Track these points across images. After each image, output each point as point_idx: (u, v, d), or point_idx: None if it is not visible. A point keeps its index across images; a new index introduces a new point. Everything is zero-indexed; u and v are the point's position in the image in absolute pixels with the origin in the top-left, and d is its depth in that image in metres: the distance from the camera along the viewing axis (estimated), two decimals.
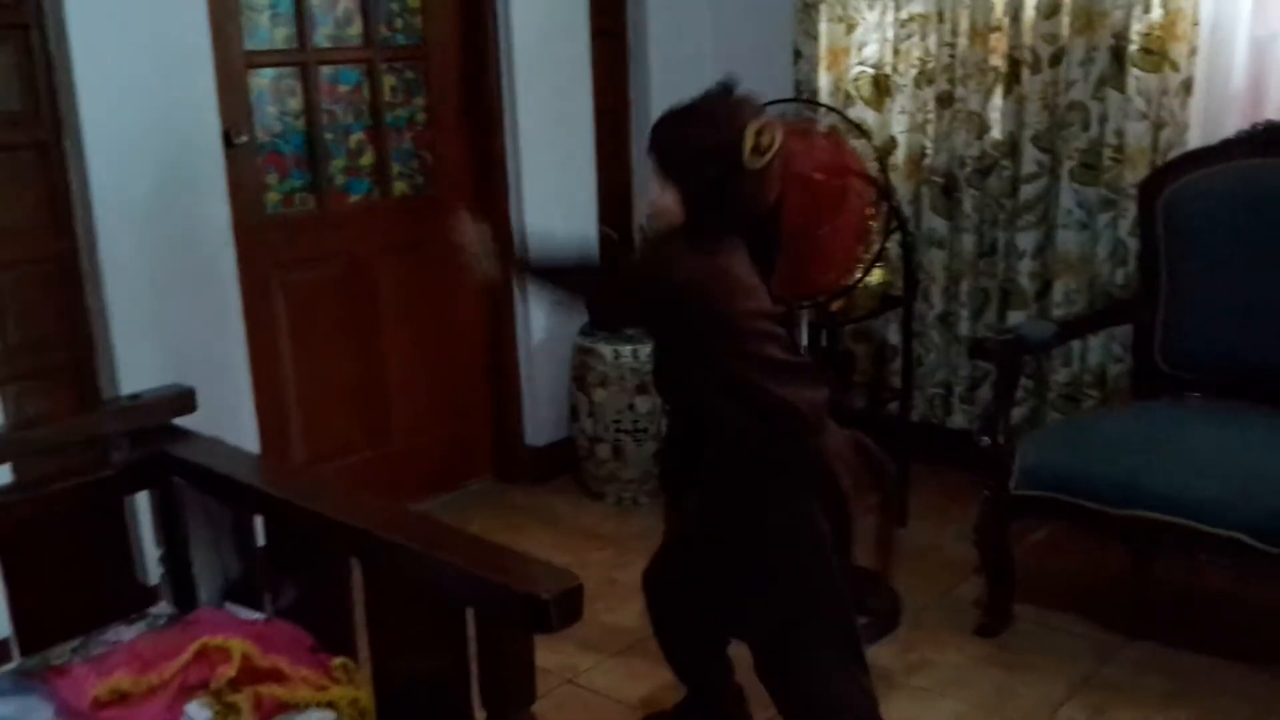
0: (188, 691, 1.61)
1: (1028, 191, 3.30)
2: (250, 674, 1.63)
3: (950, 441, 3.51)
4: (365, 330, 3.42)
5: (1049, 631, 2.77)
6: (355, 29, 3.31)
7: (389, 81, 3.40)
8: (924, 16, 3.45)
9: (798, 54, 3.69)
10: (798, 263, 2.35)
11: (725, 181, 1.91)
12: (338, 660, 1.69)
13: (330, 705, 1.63)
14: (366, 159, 3.38)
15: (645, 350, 3.45)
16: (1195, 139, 3.03)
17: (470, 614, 1.47)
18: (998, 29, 3.32)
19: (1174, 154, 3.02)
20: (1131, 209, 3.09)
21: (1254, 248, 2.78)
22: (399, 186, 3.46)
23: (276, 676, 1.63)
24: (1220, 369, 2.82)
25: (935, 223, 3.49)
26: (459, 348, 3.64)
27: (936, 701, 2.51)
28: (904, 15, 3.49)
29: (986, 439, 2.67)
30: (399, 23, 3.41)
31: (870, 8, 3.56)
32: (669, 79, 3.89)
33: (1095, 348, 3.24)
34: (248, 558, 1.91)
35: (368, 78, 3.34)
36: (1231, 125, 2.98)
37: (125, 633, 1.87)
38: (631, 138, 3.96)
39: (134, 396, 2.02)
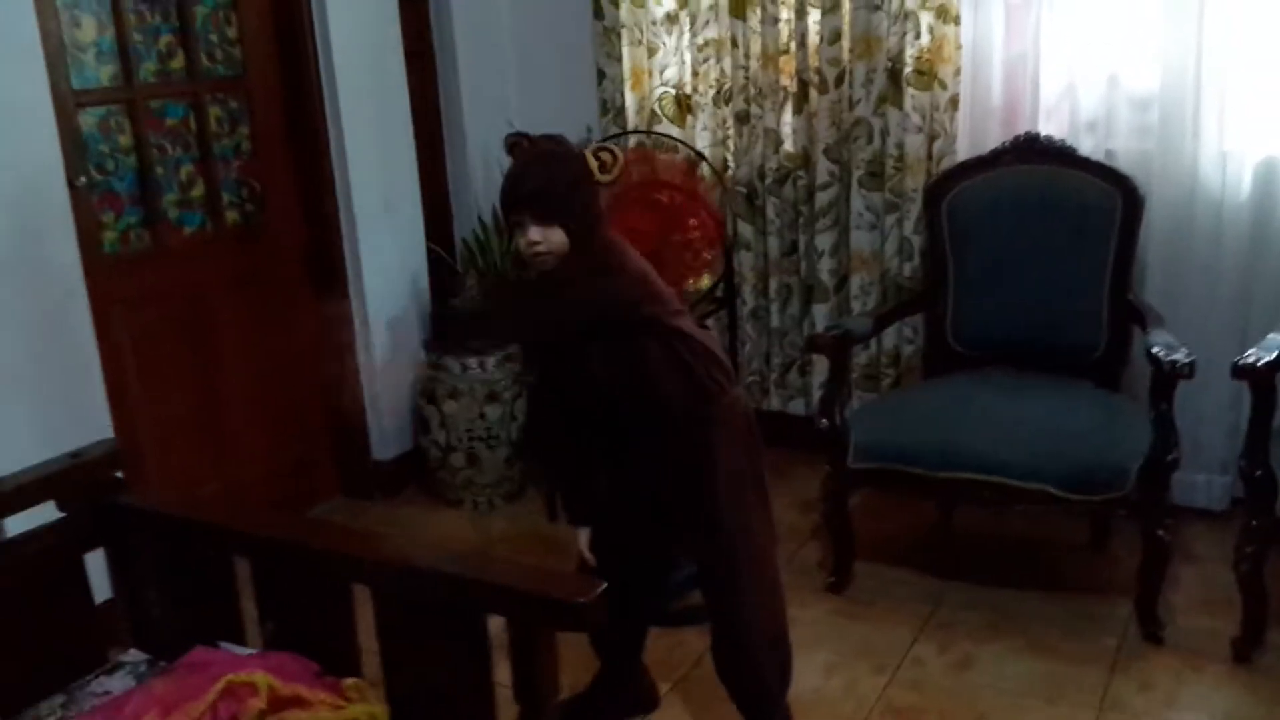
0: None
1: (822, 198, 3.70)
2: (276, 703, 1.74)
3: (769, 422, 3.87)
4: (207, 362, 3.43)
5: (886, 584, 3.18)
6: (178, 62, 3.31)
7: (214, 112, 3.41)
8: (719, 41, 3.79)
9: (601, 74, 3.95)
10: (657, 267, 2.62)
11: (593, 202, 2.23)
12: (349, 681, 1.83)
13: None
14: (197, 191, 3.39)
15: (491, 361, 3.64)
16: (963, 148, 3.51)
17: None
18: (786, 53, 3.70)
19: (946, 162, 3.49)
20: (914, 210, 3.55)
21: (1021, 242, 3.27)
22: (230, 216, 3.49)
23: (299, 703, 1.76)
24: (1003, 345, 3.30)
25: (743, 228, 3.85)
26: (300, 372, 3.70)
27: (810, 654, 2.85)
28: (700, 40, 3.81)
29: (825, 421, 3.04)
30: (219, 54, 3.43)
31: (669, 33, 3.87)
32: (478, 98, 4.07)
33: (890, 332, 3.68)
34: (222, 597, 1.98)
35: (193, 110, 3.35)
36: (993, 135, 3.48)
37: (111, 683, 1.93)
38: (447, 155, 4.11)
39: (75, 454, 2.05)
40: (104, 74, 3.12)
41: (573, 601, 1.55)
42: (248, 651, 1.91)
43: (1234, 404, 3.31)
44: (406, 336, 3.85)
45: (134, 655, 2.01)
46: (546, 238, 2.14)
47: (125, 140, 3.19)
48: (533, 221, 2.13)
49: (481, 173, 4.12)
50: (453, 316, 3.77)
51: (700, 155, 3.62)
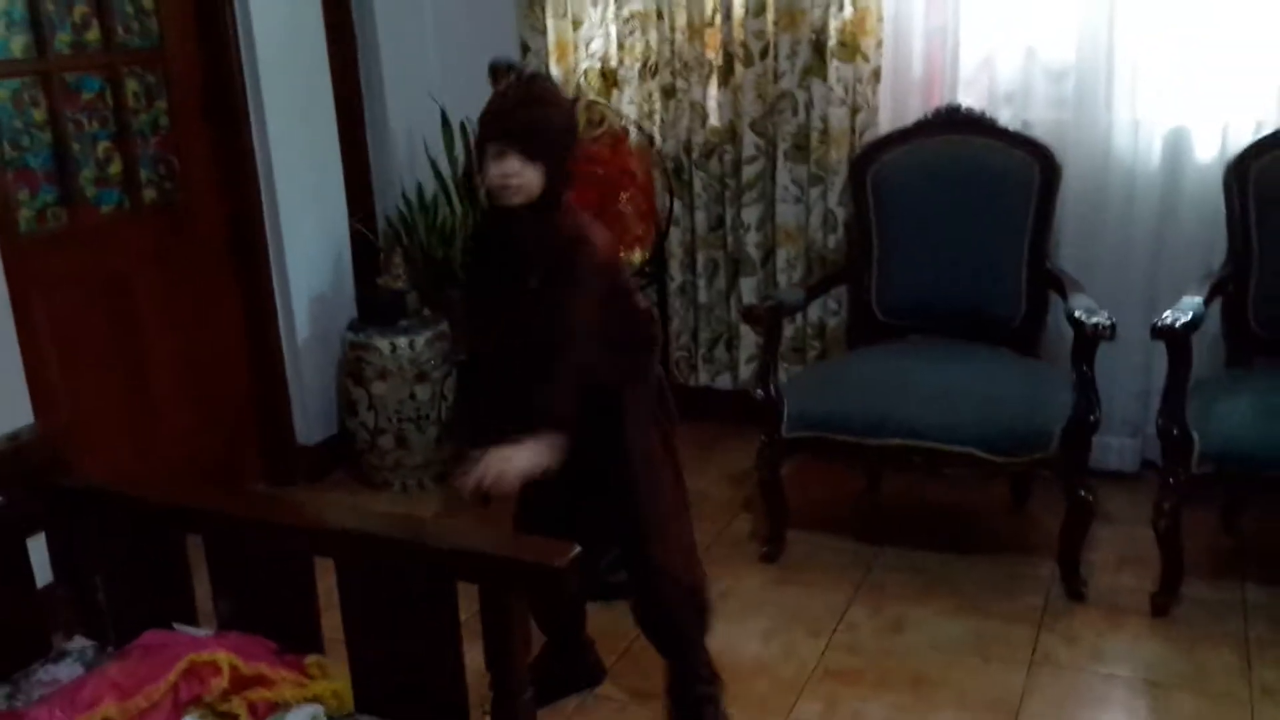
0: (180, 708, 1.68)
1: (749, 172, 3.74)
2: (238, 683, 1.72)
3: (697, 398, 3.93)
4: (127, 345, 3.34)
5: (817, 551, 3.24)
6: (94, 34, 3.21)
7: (132, 86, 3.32)
8: (644, 14, 3.80)
9: (526, 48, 3.93)
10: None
11: (571, 154, 2.24)
12: (310, 658, 1.81)
13: (316, 699, 1.76)
14: (115, 168, 3.30)
15: (421, 340, 3.61)
16: (885, 121, 3.57)
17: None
18: (711, 26, 3.72)
19: (869, 134, 3.56)
20: (838, 183, 3.61)
21: (942, 212, 3.36)
22: (149, 194, 3.39)
23: (262, 682, 1.74)
24: (926, 314, 3.39)
25: (670, 202, 3.87)
26: (222, 353, 3.63)
27: (748, 621, 2.91)
28: (625, 13, 3.82)
29: (760, 391, 3.09)
30: (135, 25, 3.33)
31: (594, 5, 3.86)
32: (400, 72, 4.02)
33: (815, 305, 3.74)
34: (172, 578, 1.95)
35: (110, 84, 3.25)
36: (914, 107, 3.55)
37: (58, 671, 1.88)
38: (367, 130, 4.05)
39: (12, 436, 2.00)
40: (16, 45, 3.01)
41: (549, 565, 1.56)
42: (203, 632, 1.88)
43: (1143, 368, 3.45)
44: (330, 317, 3.79)
45: (80, 642, 1.97)
46: (524, 173, 2.14)
47: (40, 115, 3.08)
48: (516, 154, 2.12)
49: (404, 149, 4.07)
50: (380, 296, 3.72)
51: (638, 127, 3.63)
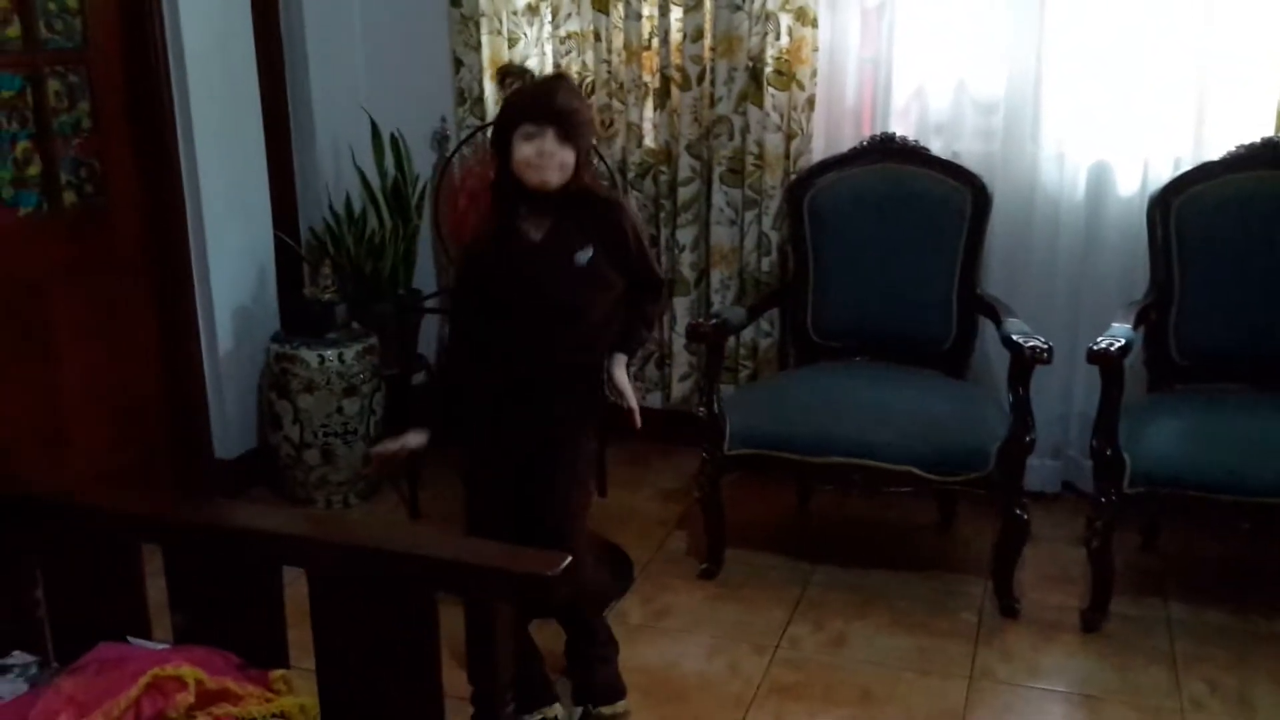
0: None
1: (684, 193, 3.76)
2: (204, 698, 1.65)
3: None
4: (41, 353, 3.19)
5: (754, 568, 3.25)
6: (14, 30, 3.07)
7: (53, 86, 3.19)
8: (581, 35, 3.80)
9: (459, 63, 3.89)
10: None
11: (591, 149, 2.43)
12: (276, 673, 1.74)
13: (283, 715, 1.70)
14: (34, 169, 3.15)
15: (350, 353, 3.53)
16: (819, 148, 3.64)
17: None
18: (649, 49, 3.74)
19: (803, 160, 3.61)
20: (772, 207, 3.65)
21: (876, 237, 3.42)
22: (69, 197, 3.26)
23: (228, 697, 1.67)
24: (860, 336, 3.44)
25: None
26: (140, 363, 3.49)
27: (689, 638, 2.90)
28: (562, 32, 3.81)
29: (703, 409, 3.10)
30: (59, 24, 3.20)
31: (530, 24, 3.85)
32: (328, 83, 3.95)
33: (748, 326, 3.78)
34: (121, 590, 1.86)
35: (30, 83, 3.12)
36: (848, 135, 3.63)
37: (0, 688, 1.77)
38: (294, 142, 3.96)
39: None
40: None
41: (540, 574, 1.53)
42: (160, 646, 1.79)
43: (1064, 392, 3.56)
44: (253, 328, 3.68)
45: (21, 657, 1.85)
46: (561, 154, 2.28)
47: None
48: (556, 137, 2.26)
49: (331, 161, 3.99)
50: (307, 307, 3.63)
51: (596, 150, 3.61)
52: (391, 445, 2.54)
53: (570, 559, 1.57)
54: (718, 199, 3.73)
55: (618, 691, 2.59)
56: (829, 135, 3.65)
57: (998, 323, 3.16)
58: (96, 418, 3.36)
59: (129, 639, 1.80)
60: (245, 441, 3.73)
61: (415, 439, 2.50)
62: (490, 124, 3.73)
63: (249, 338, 3.67)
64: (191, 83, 3.40)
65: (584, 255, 2.38)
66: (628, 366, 2.52)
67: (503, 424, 2.48)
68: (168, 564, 1.79)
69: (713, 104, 3.69)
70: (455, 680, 1.71)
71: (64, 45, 3.22)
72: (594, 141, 2.42)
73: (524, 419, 2.46)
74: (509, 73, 2.43)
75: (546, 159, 2.27)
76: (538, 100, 2.30)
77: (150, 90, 3.38)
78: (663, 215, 3.83)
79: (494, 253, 2.42)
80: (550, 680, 2.61)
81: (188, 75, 3.39)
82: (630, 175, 3.81)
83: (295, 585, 1.71)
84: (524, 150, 2.28)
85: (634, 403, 2.47)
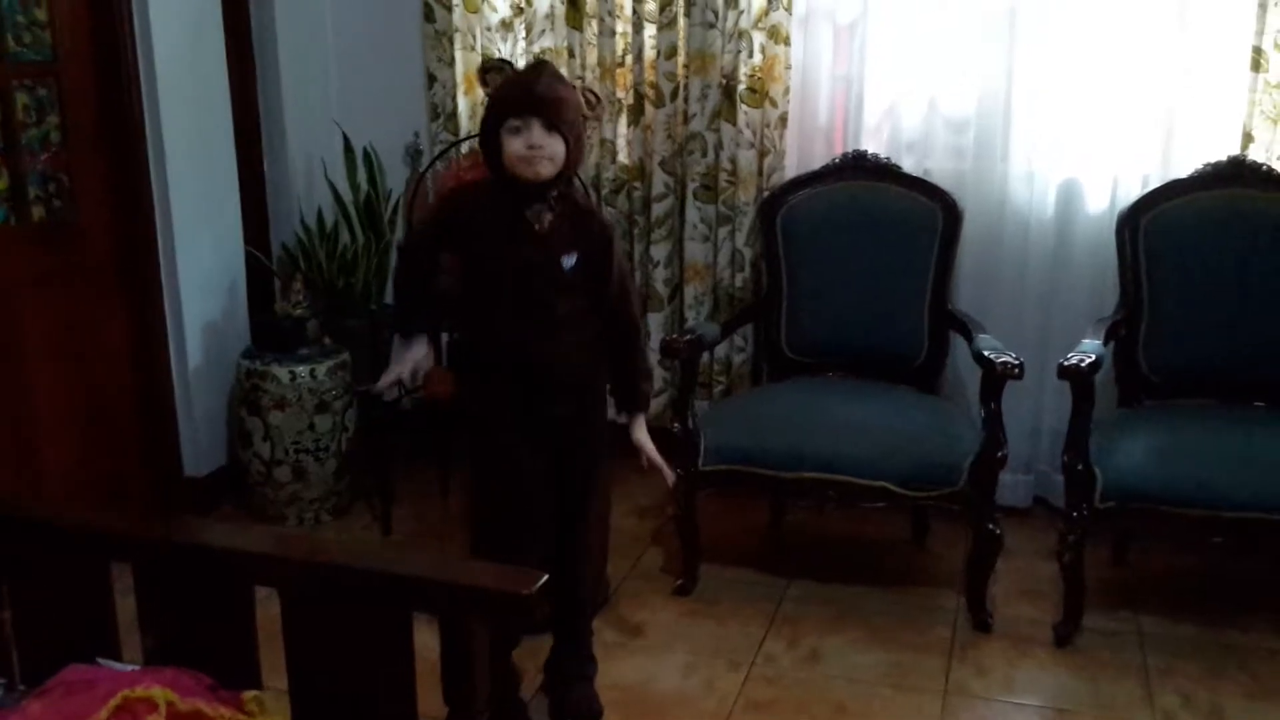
0: None
1: (658, 209, 3.77)
2: (175, 719, 1.63)
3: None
4: (8, 370, 3.15)
5: (729, 584, 3.25)
6: None
7: (21, 99, 3.16)
8: (555, 51, 3.80)
9: (433, 79, 3.89)
10: None
11: (582, 135, 2.38)
12: (249, 694, 1.72)
13: None
14: (1, 183, 3.12)
15: (322, 370, 3.50)
16: (792, 165, 3.65)
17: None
18: (622, 66, 3.75)
19: (776, 177, 3.62)
20: (745, 223, 3.66)
21: (849, 254, 3.43)
22: (37, 211, 3.22)
23: (199, 718, 1.64)
24: (833, 352, 3.45)
25: None
26: (108, 380, 3.45)
27: (666, 655, 2.89)
28: (536, 49, 3.82)
29: (678, 425, 3.09)
30: (28, 37, 3.17)
31: (504, 40, 3.85)
32: (300, 98, 3.93)
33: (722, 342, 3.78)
34: (93, 609, 1.83)
35: None
36: (819, 152, 3.65)
37: None
38: (265, 157, 3.94)
39: None
40: None
41: (514, 593, 1.52)
42: (130, 668, 1.77)
43: (1034, 408, 3.59)
44: (223, 344, 3.66)
45: None
46: (549, 144, 2.25)
47: None
48: (542, 127, 2.23)
49: (303, 176, 3.98)
50: (278, 323, 3.60)
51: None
52: (397, 369, 2.47)
53: (545, 577, 1.56)
54: (691, 215, 3.74)
55: (595, 712, 2.57)
56: (802, 152, 3.67)
57: (969, 338, 3.18)
58: (64, 433, 3.32)
59: (98, 660, 1.77)
60: (215, 458, 3.70)
61: (418, 352, 2.46)
62: (465, 139, 3.77)
63: (219, 353, 3.64)
64: (162, 96, 3.38)
65: (569, 260, 2.38)
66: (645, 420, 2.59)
67: (511, 431, 2.47)
68: (138, 583, 1.77)
69: (686, 121, 3.70)
70: (430, 701, 1.69)
71: (33, 58, 3.19)
72: (584, 123, 2.36)
73: (530, 425, 2.46)
74: (489, 68, 2.42)
75: (535, 151, 2.24)
76: (520, 91, 2.28)
77: (121, 104, 3.35)
78: (636, 231, 3.84)
79: (494, 228, 2.37)
80: (525, 705, 2.60)
81: (158, 89, 3.36)
82: (604, 191, 3.81)
83: (267, 604, 1.70)
84: (513, 145, 2.25)
85: (661, 461, 2.58)
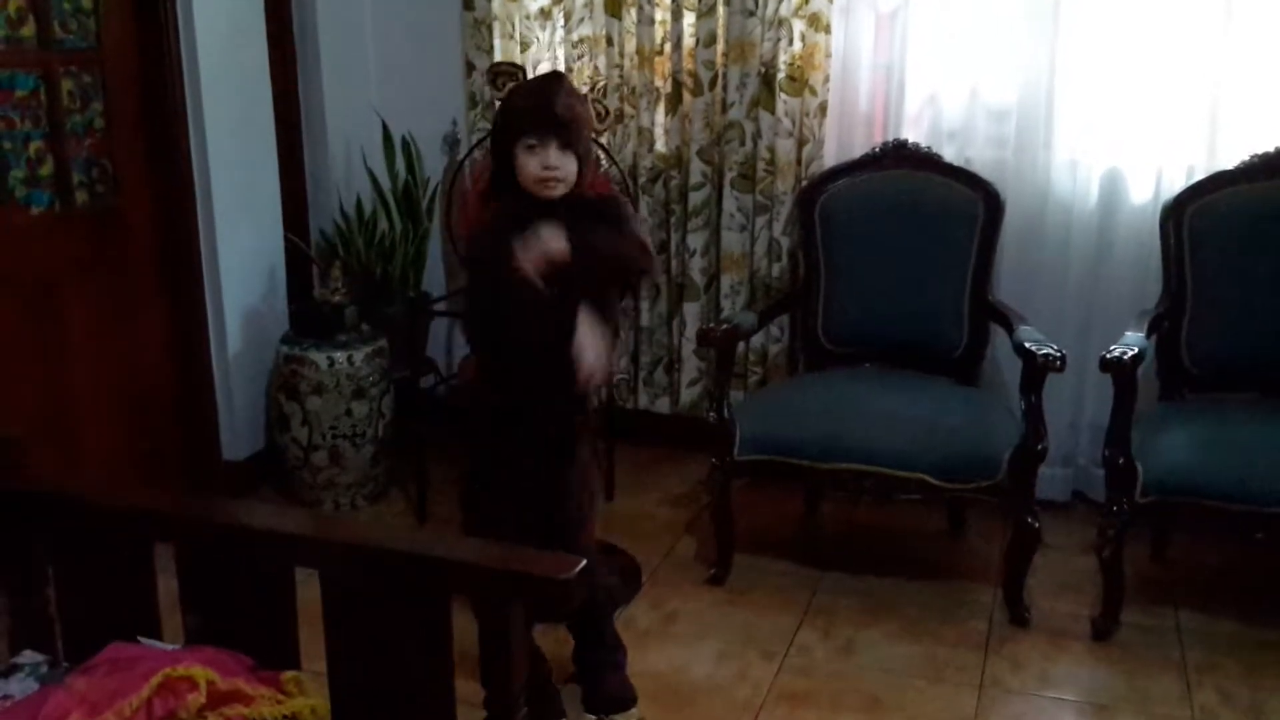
0: None
1: (695, 198, 3.76)
2: (215, 698, 1.64)
3: (635, 420, 3.92)
4: (52, 352, 3.19)
5: (763, 574, 3.24)
6: (29, 29, 3.08)
7: (67, 86, 3.19)
8: (593, 39, 3.80)
9: (471, 67, 3.90)
10: None
11: (592, 147, 2.32)
12: (287, 674, 1.74)
13: (294, 716, 1.69)
14: (46, 169, 3.16)
15: (360, 355, 3.52)
16: (831, 154, 3.63)
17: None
18: (661, 54, 3.74)
19: (815, 166, 3.61)
20: (783, 213, 3.65)
21: (888, 244, 3.41)
22: (80, 197, 3.26)
23: (240, 698, 1.66)
24: (871, 342, 3.43)
25: None
26: (149, 363, 3.48)
27: (698, 644, 2.89)
28: (575, 37, 3.81)
29: (714, 415, 3.09)
30: (73, 24, 3.21)
31: (542, 28, 3.85)
32: (340, 85, 3.95)
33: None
34: (133, 589, 1.85)
35: (44, 82, 3.12)
36: (859, 141, 3.62)
37: (9, 687, 1.76)
38: (305, 144, 3.96)
39: None
40: None
41: (555, 578, 1.52)
42: (171, 647, 1.79)
43: (1074, 401, 3.55)
44: (262, 329, 3.68)
45: (31, 656, 1.85)
46: (564, 164, 2.21)
47: None
48: (558, 148, 2.19)
49: (342, 163, 4.00)
50: (317, 309, 3.62)
51: (604, 149, 3.60)
52: (540, 246, 2.14)
53: (585, 562, 1.56)
54: (728, 204, 3.73)
55: (629, 700, 2.57)
56: (841, 141, 3.65)
57: (1009, 330, 3.15)
58: (105, 416, 3.36)
59: (140, 639, 1.80)
60: (253, 443, 3.73)
61: (557, 243, 2.15)
62: None
63: (258, 339, 3.67)
64: (204, 84, 3.40)
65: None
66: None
67: (509, 442, 2.44)
68: (180, 563, 1.79)
69: (724, 109, 3.69)
70: (465, 688, 1.70)
71: (78, 45, 3.22)
72: (592, 136, 2.31)
73: (528, 437, 2.42)
74: (500, 72, 2.38)
75: (551, 173, 2.19)
76: (538, 108, 2.20)
77: (163, 91, 3.38)
78: (673, 220, 3.83)
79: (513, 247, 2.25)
80: (558, 691, 2.60)
81: (200, 76, 3.39)
82: (641, 180, 3.80)
83: (307, 585, 1.71)
84: (529, 166, 2.20)
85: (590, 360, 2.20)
